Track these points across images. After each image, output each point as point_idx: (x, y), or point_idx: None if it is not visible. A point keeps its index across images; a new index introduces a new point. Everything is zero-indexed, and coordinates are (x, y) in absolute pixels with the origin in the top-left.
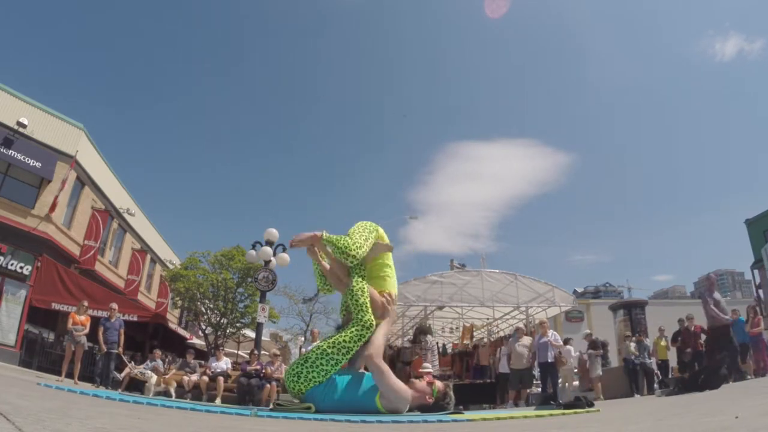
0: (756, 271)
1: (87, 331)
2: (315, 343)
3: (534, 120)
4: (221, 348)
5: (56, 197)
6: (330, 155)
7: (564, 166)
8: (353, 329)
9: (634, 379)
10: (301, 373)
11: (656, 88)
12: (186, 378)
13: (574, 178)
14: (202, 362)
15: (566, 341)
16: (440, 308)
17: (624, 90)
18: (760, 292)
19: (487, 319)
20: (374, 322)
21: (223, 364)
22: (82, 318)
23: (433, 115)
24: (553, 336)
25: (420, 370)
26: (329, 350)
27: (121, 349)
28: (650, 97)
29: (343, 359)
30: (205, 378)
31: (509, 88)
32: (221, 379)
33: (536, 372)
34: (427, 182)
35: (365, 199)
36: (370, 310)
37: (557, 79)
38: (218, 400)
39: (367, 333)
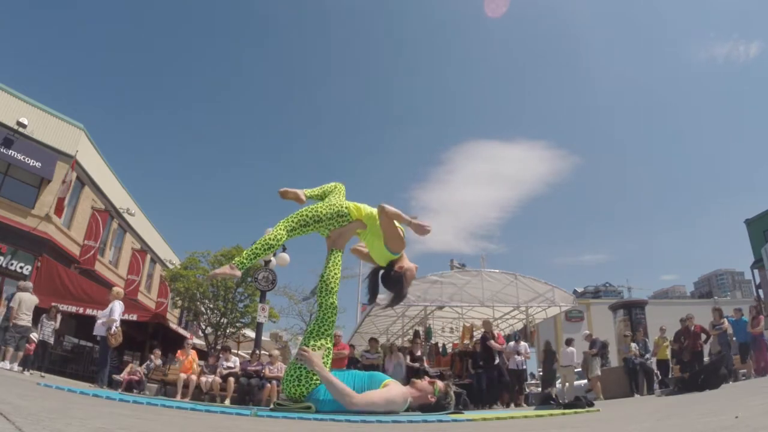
0: (756, 271)
1: None
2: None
3: (548, 121)
4: (228, 350)
5: (62, 199)
6: (333, 154)
7: (571, 167)
8: (329, 312)
9: (634, 379)
10: (302, 375)
11: (658, 90)
12: (204, 380)
13: (580, 179)
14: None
15: (568, 342)
16: (440, 308)
17: (628, 91)
18: (760, 291)
19: (488, 319)
20: (336, 306)
21: (232, 363)
22: None
23: (445, 114)
24: None
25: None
26: (318, 343)
27: None
28: (653, 99)
29: (330, 345)
30: (218, 379)
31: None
32: (231, 379)
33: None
34: (443, 181)
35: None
36: (335, 294)
37: (569, 81)
38: (228, 401)
39: (334, 314)
